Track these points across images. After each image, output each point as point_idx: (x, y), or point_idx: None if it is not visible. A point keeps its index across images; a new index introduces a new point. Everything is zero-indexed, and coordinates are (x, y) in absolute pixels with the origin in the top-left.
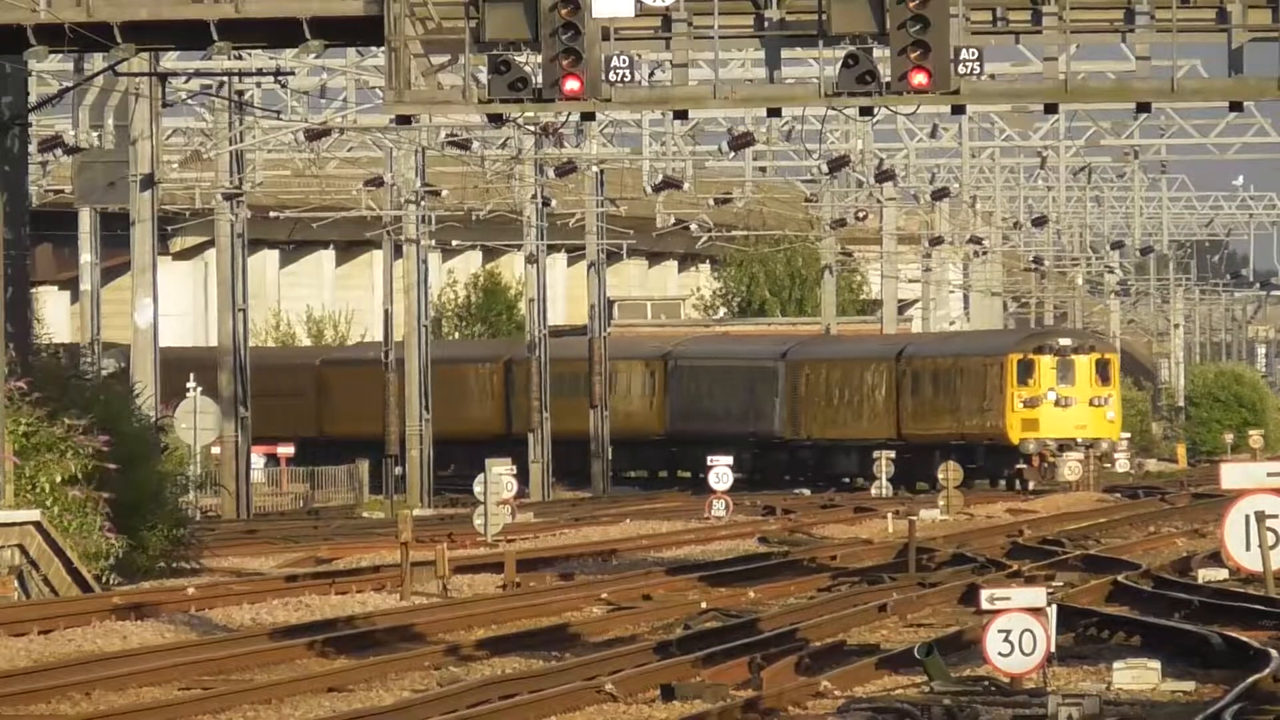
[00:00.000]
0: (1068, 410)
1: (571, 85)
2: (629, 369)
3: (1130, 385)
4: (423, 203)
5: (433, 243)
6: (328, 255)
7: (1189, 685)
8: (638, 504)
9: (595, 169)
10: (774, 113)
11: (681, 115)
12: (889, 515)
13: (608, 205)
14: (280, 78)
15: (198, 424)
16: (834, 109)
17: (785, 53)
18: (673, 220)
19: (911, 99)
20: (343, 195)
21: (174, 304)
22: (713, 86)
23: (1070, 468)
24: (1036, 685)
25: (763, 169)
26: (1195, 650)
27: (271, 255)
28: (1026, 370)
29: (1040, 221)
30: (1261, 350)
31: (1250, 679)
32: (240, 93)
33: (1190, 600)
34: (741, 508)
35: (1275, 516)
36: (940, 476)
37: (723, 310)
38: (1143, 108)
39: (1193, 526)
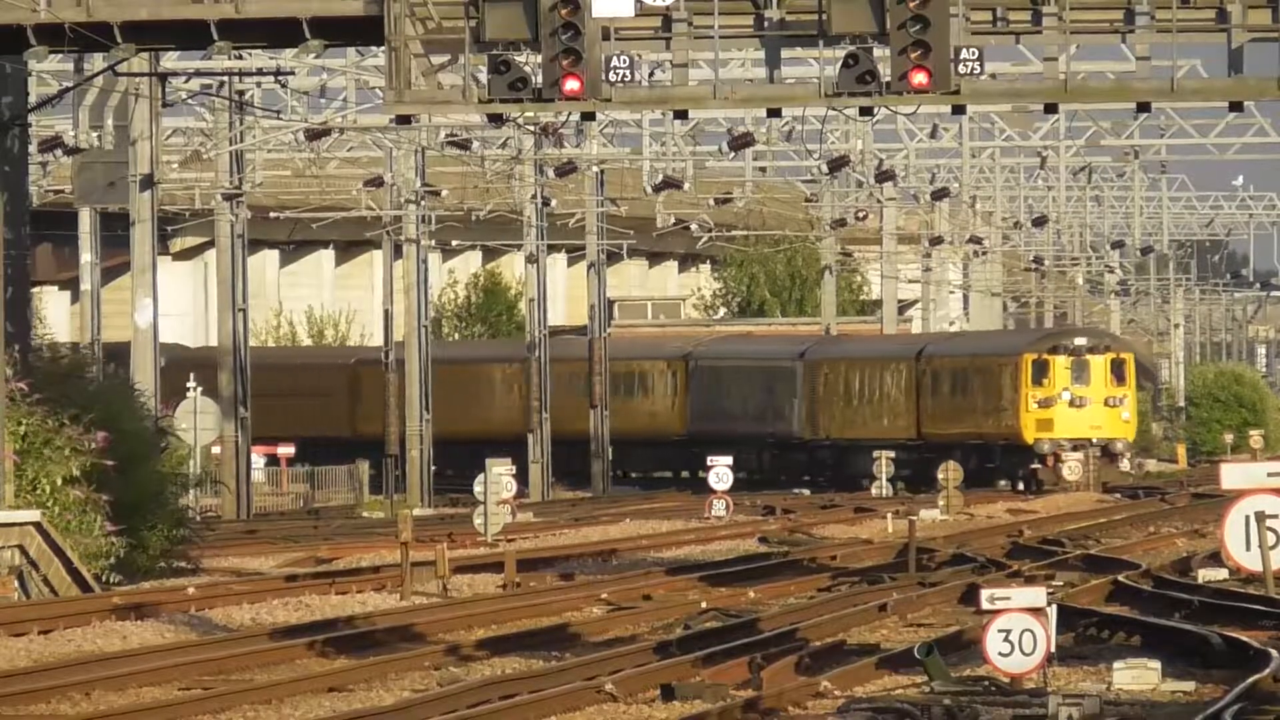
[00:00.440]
0: (1082, 410)
1: (571, 85)
2: (651, 369)
3: None
4: (423, 203)
5: (433, 243)
6: (328, 255)
7: (1189, 685)
8: (637, 504)
9: (595, 169)
10: (774, 113)
11: (681, 115)
12: (889, 515)
13: (608, 205)
14: (280, 78)
15: (198, 424)
16: (834, 109)
17: (785, 53)
18: (673, 220)
19: (911, 99)
20: (343, 195)
21: (174, 304)
22: (713, 86)
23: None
24: (1036, 685)
25: (763, 169)
26: (1195, 650)
27: (271, 255)
28: (1041, 370)
29: (1040, 221)
30: (1261, 350)
31: (1250, 679)
32: (240, 93)
33: (1190, 600)
34: (742, 508)
35: (1275, 516)
36: (940, 476)
37: (723, 310)
38: (1143, 108)
39: (1193, 526)
